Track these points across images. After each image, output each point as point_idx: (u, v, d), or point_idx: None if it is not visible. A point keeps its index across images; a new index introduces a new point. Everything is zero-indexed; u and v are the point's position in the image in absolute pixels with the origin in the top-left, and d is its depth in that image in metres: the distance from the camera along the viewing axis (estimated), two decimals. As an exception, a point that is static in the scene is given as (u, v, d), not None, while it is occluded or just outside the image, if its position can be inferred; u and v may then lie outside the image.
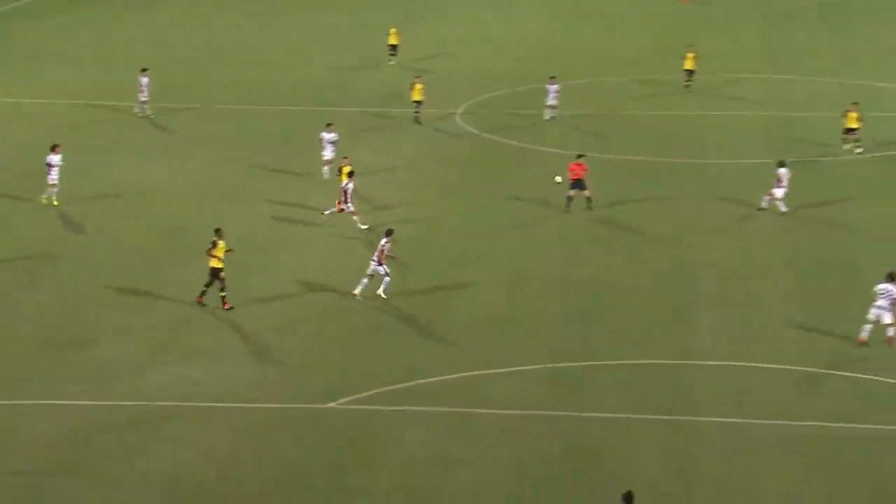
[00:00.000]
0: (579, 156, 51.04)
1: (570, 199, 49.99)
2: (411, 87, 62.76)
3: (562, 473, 31.34)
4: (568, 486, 30.69)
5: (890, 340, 37.59)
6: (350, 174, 47.26)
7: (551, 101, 62.58)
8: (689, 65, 68.38)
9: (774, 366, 37.18)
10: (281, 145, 60.69)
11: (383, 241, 41.31)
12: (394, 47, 75.49)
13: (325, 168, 53.00)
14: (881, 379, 36.06)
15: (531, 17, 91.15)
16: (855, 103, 57.73)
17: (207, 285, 40.58)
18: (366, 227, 47.16)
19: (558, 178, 50.31)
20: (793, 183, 50.65)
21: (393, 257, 41.50)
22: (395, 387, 35.95)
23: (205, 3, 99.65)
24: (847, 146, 56.93)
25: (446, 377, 36.49)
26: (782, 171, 49.10)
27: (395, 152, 58.50)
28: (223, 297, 40.45)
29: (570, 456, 32.15)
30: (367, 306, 40.95)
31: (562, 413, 34.35)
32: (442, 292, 42.66)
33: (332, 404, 35.02)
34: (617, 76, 72.99)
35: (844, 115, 57.21)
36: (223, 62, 79.13)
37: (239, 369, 37.20)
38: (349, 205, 47.09)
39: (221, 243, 40.35)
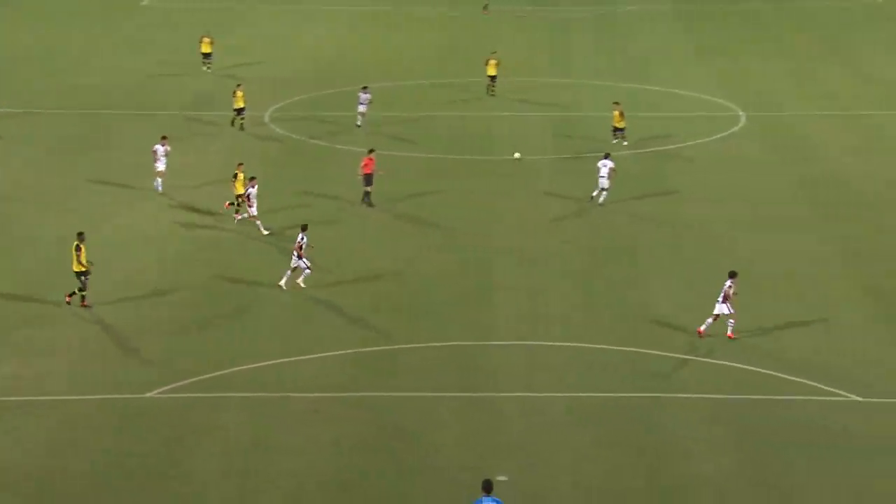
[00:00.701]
0: (370, 151, 50.85)
1: (366, 193, 49.68)
2: (233, 95, 61.56)
3: (372, 450, 31.24)
4: (382, 463, 30.65)
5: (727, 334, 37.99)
6: (251, 179, 46.33)
7: (362, 108, 61.86)
8: (491, 71, 68.36)
9: (563, 344, 37.46)
10: (94, 149, 58.95)
11: (300, 236, 40.84)
12: (207, 55, 74.11)
13: (159, 180, 51.38)
14: (655, 353, 36.72)
15: (335, 25, 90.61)
16: (617, 103, 58.58)
17: (80, 287, 39.53)
18: (268, 231, 46.13)
19: (517, 154, 50.38)
20: (574, 175, 50.91)
21: (312, 247, 41.03)
22: (212, 375, 35.41)
23: (21, 9, 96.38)
24: (615, 142, 57.41)
25: (261, 364, 36.07)
26: (606, 162, 49.50)
27: (206, 154, 57.56)
28: (83, 296, 39.47)
29: (380, 435, 32.08)
30: (183, 300, 40.16)
31: (371, 394, 34.35)
32: (255, 285, 42.01)
33: (151, 394, 34.29)
34: (418, 80, 72.76)
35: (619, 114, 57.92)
36: (37, 67, 76.48)
37: (57, 364, 36.05)
38: (252, 209, 46.21)
39: (83, 248, 39.27)
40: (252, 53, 78.51)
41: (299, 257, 40.68)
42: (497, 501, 24.90)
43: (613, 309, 40.22)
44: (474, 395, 34.26)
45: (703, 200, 50.75)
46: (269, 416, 33.06)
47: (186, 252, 44.75)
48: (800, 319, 38.99)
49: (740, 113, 64.24)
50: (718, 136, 60.43)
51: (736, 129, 61.71)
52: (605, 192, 49.37)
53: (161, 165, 50.90)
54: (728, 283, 37.30)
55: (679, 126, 60.80)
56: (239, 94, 60.89)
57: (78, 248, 39.08)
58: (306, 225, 41.22)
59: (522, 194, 52.03)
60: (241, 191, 47.28)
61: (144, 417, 33.00)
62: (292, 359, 36.34)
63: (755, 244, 45.71)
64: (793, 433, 31.98)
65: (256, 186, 45.92)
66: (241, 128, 61.25)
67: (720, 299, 37.30)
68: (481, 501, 24.86)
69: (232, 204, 47.90)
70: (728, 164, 56.01)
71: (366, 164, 49.81)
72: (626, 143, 57.56)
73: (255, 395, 34.22)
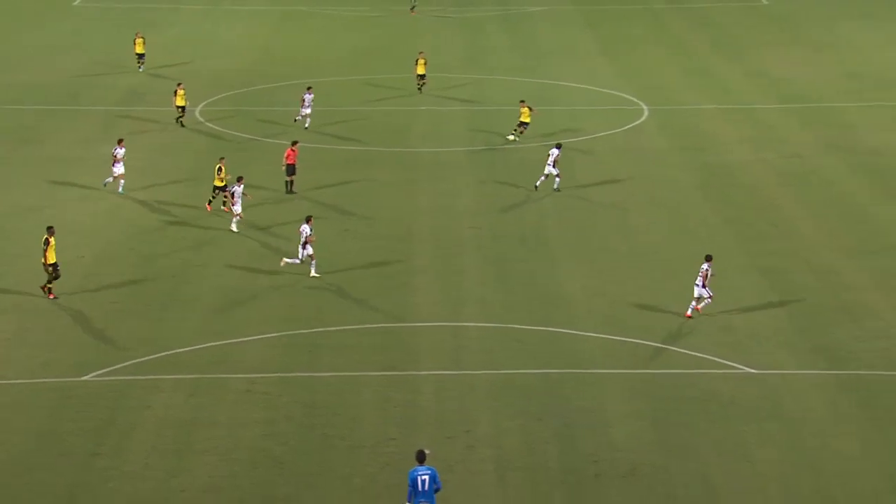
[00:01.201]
0: (293, 143, 50.78)
1: (289, 183, 49.64)
2: (174, 94, 60.74)
3: (300, 426, 31.31)
4: (310, 437, 30.73)
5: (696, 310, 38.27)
6: (239, 179, 45.47)
7: (306, 110, 60.84)
8: (420, 70, 68.05)
9: (482, 324, 37.66)
10: (26, 144, 58.36)
11: (305, 226, 40.65)
12: (141, 55, 72.96)
13: (121, 183, 49.91)
14: (569, 331, 36.93)
15: (259, 25, 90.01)
16: (522, 101, 58.66)
17: (52, 278, 38.99)
18: (237, 231, 45.42)
19: (510, 136, 50.28)
20: (487, 166, 50.89)
21: (314, 239, 40.75)
22: (145, 358, 35.22)
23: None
24: (510, 136, 57.72)
25: (192, 348, 35.94)
26: (553, 151, 49.68)
27: (138, 147, 56.83)
28: (50, 288, 38.97)
29: (307, 411, 32.14)
30: (118, 288, 39.84)
31: (300, 374, 34.38)
32: (187, 269, 42.03)
33: (87, 377, 34.05)
34: (341, 77, 72.45)
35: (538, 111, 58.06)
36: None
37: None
38: (236, 207, 45.32)
39: (53, 241, 38.70)
40: (180, 52, 77.84)
41: (304, 246, 40.49)
42: (431, 469, 25.07)
43: (528, 291, 40.41)
44: (397, 373, 34.41)
45: (611, 188, 51.11)
46: (202, 396, 32.95)
47: (120, 241, 44.47)
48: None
49: (643, 106, 64.68)
50: (622, 128, 60.86)
51: (639, 121, 62.14)
52: (557, 179, 49.70)
53: (119, 168, 49.62)
54: (705, 266, 37.65)
55: (587, 119, 61.14)
56: (180, 92, 60.19)
57: (46, 242, 38.55)
58: (310, 216, 41.11)
59: (441, 184, 52.16)
60: (219, 184, 46.99)
61: (80, 399, 32.75)
62: (225, 342, 36.22)
63: (658, 227, 46.31)
64: (693, 403, 32.50)
65: (242, 186, 45.21)
66: (182, 124, 60.51)
67: (699, 282, 37.63)
68: (416, 470, 25.01)
69: (211, 201, 47.54)
70: (633, 154, 56.53)
71: (288, 155, 49.75)
72: (517, 140, 57.52)
73: (189, 376, 34.08)
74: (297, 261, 40.87)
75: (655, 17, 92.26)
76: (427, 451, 26.90)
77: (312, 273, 40.87)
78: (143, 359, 35.09)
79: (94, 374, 34.13)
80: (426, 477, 24.94)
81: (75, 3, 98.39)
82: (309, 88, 60.32)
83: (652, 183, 51.06)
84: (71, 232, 45.25)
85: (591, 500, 27.79)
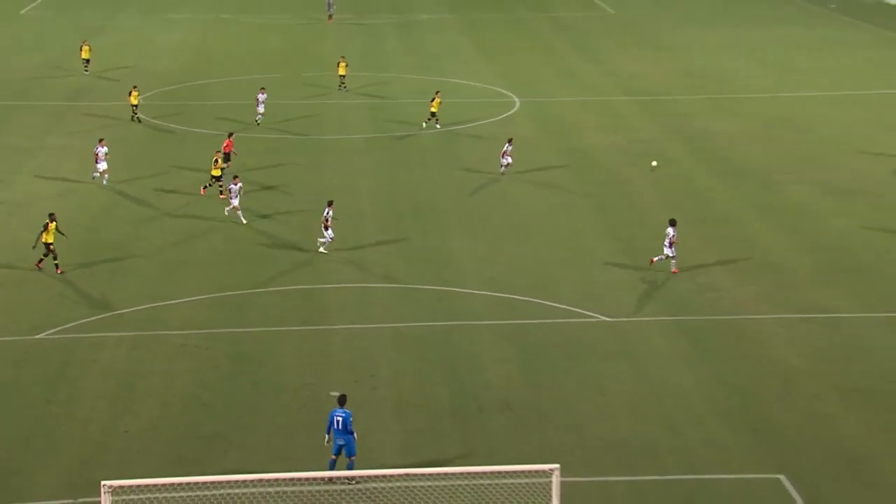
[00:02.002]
0: (230, 134, 49.90)
1: (223, 168, 48.41)
2: (129, 94, 58.64)
3: (229, 375, 30.97)
4: (236, 384, 30.40)
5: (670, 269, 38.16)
6: (235, 177, 43.33)
7: (260, 108, 58.60)
8: (342, 71, 66.85)
9: (385, 285, 37.51)
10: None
11: (326, 210, 39.30)
12: (87, 61, 70.86)
13: (105, 177, 47.54)
14: (457, 290, 36.86)
15: (190, 31, 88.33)
16: (438, 92, 58.42)
17: (45, 255, 37.64)
18: (245, 222, 43.19)
19: (654, 163, 48.21)
20: (386, 151, 50.61)
21: (337, 219, 39.55)
22: (90, 319, 34.55)
23: None
24: (425, 125, 57.31)
25: (132, 309, 35.26)
26: (507, 147, 49.13)
27: (81, 137, 55.68)
28: (56, 264, 37.60)
29: (235, 362, 31.77)
30: (67, 258, 38.57)
31: (227, 330, 33.92)
32: (130, 242, 41.17)
33: (40, 336, 33.37)
34: (263, 75, 71.28)
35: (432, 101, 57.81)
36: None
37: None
38: (234, 201, 42.84)
39: (53, 225, 37.45)
40: (122, 56, 75.96)
41: (326, 228, 39.27)
42: (347, 412, 24.80)
43: (422, 256, 40.19)
44: (311, 328, 34.08)
45: (490, 169, 50.87)
46: (142, 350, 32.41)
47: (69, 218, 43.07)
48: (565, 259, 39.68)
49: (515, 99, 64.61)
50: (499, 117, 60.74)
51: (512, 112, 62.04)
52: (505, 168, 49.14)
53: (103, 165, 47.23)
54: (670, 230, 37.55)
55: (469, 110, 60.99)
56: (134, 93, 58.18)
57: (45, 226, 37.37)
58: (332, 200, 39.89)
59: (346, 166, 51.60)
60: (216, 173, 45.63)
61: (35, 355, 32.13)
62: (162, 304, 35.59)
63: (532, 202, 46.26)
64: (559, 347, 32.67)
65: (240, 184, 43.03)
66: (139, 121, 58.33)
67: (666, 244, 37.58)
68: (335, 412, 24.79)
69: (206, 187, 45.99)
70: (505, 137, 56.00)
71: (226, 145, 48.68)
72: (424, 126, 57.26)
73: (129, 333, 33.49)
74: (328, 241, 39.57)
75: (524, 25, 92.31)
76: (335, 394, 26.64)
77: (321, 249, 39.83)
78: (88, 319, 34.41)
79: (47, 332, 33.44)
80: (341, 417, 24.73)
81: (22, 13, 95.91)
82: (262, 89, 58.52)
83: (524, 163, 50.97)
84: (22, 212, 44.40)
85: (475, 430, 27.76)
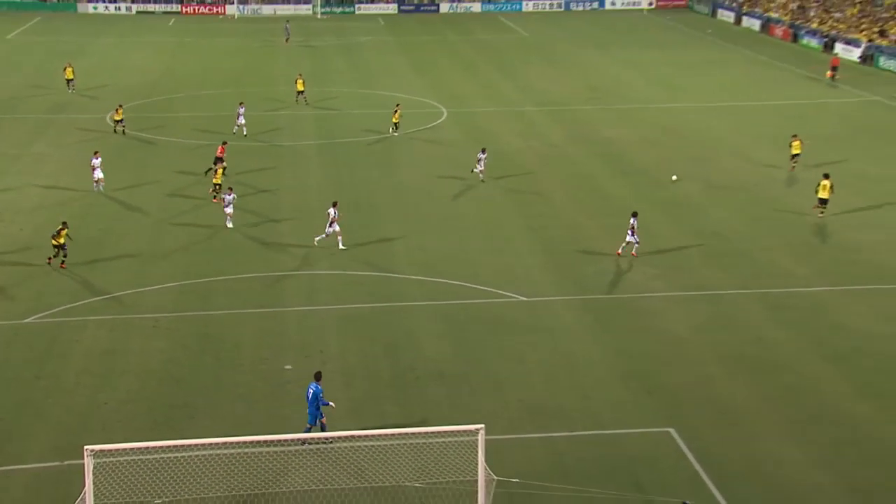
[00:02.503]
0: (224, 142, 49.40)
1: (214, 170, 46.53)
2: (115, 111, 57.15)
3: (196, 352, 30.69)
4: (202, 361, 30.11)
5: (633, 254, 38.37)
6: (230, 189, 41.96)
7: (240, 120, 56.74)
8: (300, 87, 65.55)
9: (332, 272, 37.11)
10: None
11: (331, 209, 38.59)
12: (70, 81, 68.50)
13: (101, 184, 45.61)
14: (395, 275, 36.71)
15: (158, 53, 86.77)
16: (398, 105, 58.42)
17: (55, 255, 36.89)
18: (231, 226, 41.65)
19: (674, 177, 47.66)
20: (331, 153, 50.08)
21: (337, 219, 38.75)
22: (73, 304, 34.03)
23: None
24: (391, 131, 56.90)
25: (110, 295, 34.77)
26: (480, 155, 48.22)
27: (62, 145, 54.73)
28: (62, 261, 36.90)
29: (201, 341, 31.45)
30: (47, 253, 37.79)
31: (194, 313, 33.51)
32: (106, 237, 40.39)
33: (28, 320, 32.83)
34: (224, 90, 70.51)
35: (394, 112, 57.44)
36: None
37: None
38: (229, 208, 41.19)
39: (65, 231, 36.92)
40: (98, 75, 74.43)
41: (330, 225, 38.43)
42: (316, 387, 24.47)
43: (364, 246, 39.74)
44: (267, 310, 33.74)
45: (421, 169, 50.79)
46: (119, 332, 31.95)
47: (52, 217, 42.22)
48: (487, 247, 39.62)
49: (443, 110, 64.42)
50: (430, 125, 60.51)
51: (440, 120, 61.88)
52: (480, 171, 48.07)
53: (99, 173, 45.51)
54: (632, 220, 37.77)
55: (405, 119, 60.51)
56: (119, 110, 56.68)
57: (58, 232, 36.91)
58: (336, 201, 39.30)
59: (298, 168, 51.00)
60: (219, 181, 44.50)
61: (24, 336, 31.59)
62: (136, 290, 35.06)
63: (458, 198, 46.12)
64: (484, 324, 32.69)
65: (234, 195, 41.44)
66: (123, 133, 56.41)
67: (629, 232, 37.78)
68: (311, 385, 24.49)
69: (215, 196, 44.28)
70: (436, 143, 56.22)
71: (221, 150, 47.97)
72: (397, 134, 56.73)
73: (108, 317, 33.03)
74: (325, 236, 38.86)
75: (452, 46, 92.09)
76: (288, 367, 26.47)
77: (340, 246, 38.72)
78: (71, 305, 33.88)
79: (35, 317, 32.90)
80: (310, 391, 24.41)
81: (8, 37, 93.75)
82: (241, 103, 57.11)
83: (452, 165, 50.95)
84: (11, 211, 43.49)
85: (412, 397, 27.76)
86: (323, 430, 24.48)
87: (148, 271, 37.01)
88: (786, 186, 47.88)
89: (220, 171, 45.37)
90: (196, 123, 59.94)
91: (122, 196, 45.72)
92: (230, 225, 41.28)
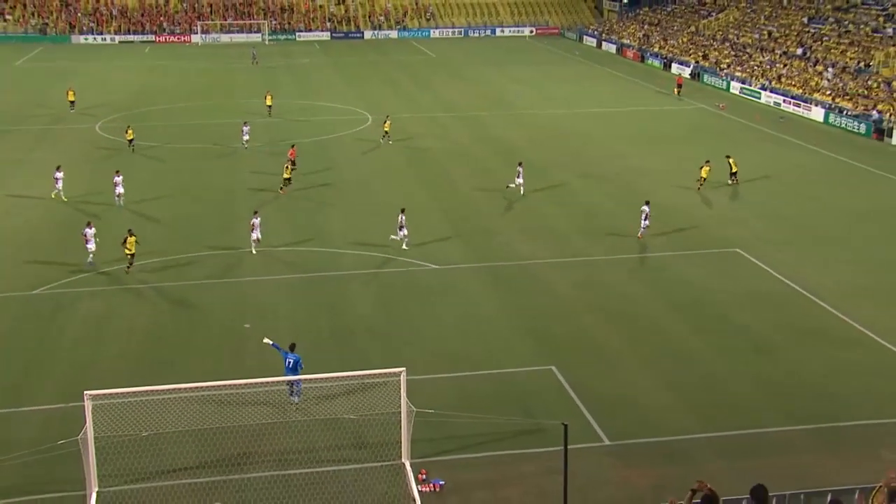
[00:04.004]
0: (293, 145, 48.34)
1: (291, 169, 45.66)
2: (125, 131, 52.80)
3: (173, 316, 30.21)
4: (178, 323, 29.66)
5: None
6: (255, 212, 37.16)
7: (245, 136, 53.30)
8: (269, 101, 63.87)
9: (282, 248, 36.74)
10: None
11: (400, 215, 35.74)
12: (72, 102, 65.32)
13: (122, 198, 41.89)
14: (334, 250, 36.40)
15: (137, 73, 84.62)
16: (388, 116, 57.63)
17: (130, 264, 33.62)
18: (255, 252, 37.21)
19: (382, 140, 47.25)
20: (272, 157, 49.83)
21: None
22: (71, 279, 33.19)
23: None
24: (382, 141, 54.99)
25: (101, 270, 33.97)
26: (520, 168, 44.72)
27: (59, 151, 52.97)
28: (129, 267, 33.51)
29: (177, 307, 30.94)
30: (47, 238, 36.80)
31: (170, 284, 32.89)
32: (98, 227, 39.00)
33: (35, 292, 31.98)
34: (190, 103, 68.95)
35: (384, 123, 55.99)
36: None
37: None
38: (255, 233, 35.98)
39: (132, 238, 33.43)
40: (87, 91, 71.99)
41: (400, 229, 35.56)
42: (298, 357, 23.69)
43: (307, 227, 39.43)
44: (230, 280, 33.29)
45: (353, 164, 50.36)
46: (110, 300, 31.28)
47: (48, 213, 41.05)
48: (408, 227, 39.39)
49: (368, 116, 63.91)
50: (357, 129, 59.99)
51: (366, 125, 61.40)
52: (519, 184, 43.79)
53: (120, 189, 41.75)
54: (645, 208, 37.33)
55: (338, 125, 60.18)
56: (130, 130, 52.15)
57: (125, 240, 33.30)
58: (404, 208, 36.47)
59: (252, 166, 49.90)
60: (287, 176, 42.98)
61: (32, 305, 30.80)
62: (122, 266, 34.21)
63: (386, 189, 45.78)
64: (404, 288, 32.66)
65: (259, 219, 36.24)
66: (133, 150, 51.66)
67: (643, 218, 37.37)
68: (287, 354, 23.81)
69: (282, 188, 42.53)
70: (362, 144, 55.66)
71: (292, 153, 46.76)
72: (391, 143, 54.99)
73: (101, 288, 32.30)
74: (398, 238, 35.88)
75: (376, 65, 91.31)
76: (247, 326, 26.09)
77: (404, 246, 35.96)
78: (70, 279, 33.07)
79: (41, 289, 32.07)
80: (292, 360, 23.60)
81: (16, 64, 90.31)
82: (245, 123, 53.45)
83: (378, 161, 50.68)
84: (15, 206, 42.04)
85: (349, 348, 27.69)
86: (298, 391, 23.72)
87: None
88: (641, 175, 48.70)
89: (289, 166, 44.36)
90: (169, 131, 58.50)
91: (105, 197, 44.44)
92: (254, 251, 35.67)
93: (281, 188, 44.24)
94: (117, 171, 43.80)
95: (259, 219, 36.28)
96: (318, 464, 21.23)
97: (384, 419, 22.01)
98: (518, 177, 44.15)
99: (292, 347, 24.47)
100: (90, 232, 34.15)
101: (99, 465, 20.08)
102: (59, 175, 42.70)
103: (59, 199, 42.05)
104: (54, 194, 42.70)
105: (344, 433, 22.42)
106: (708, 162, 46.22)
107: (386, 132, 55.70)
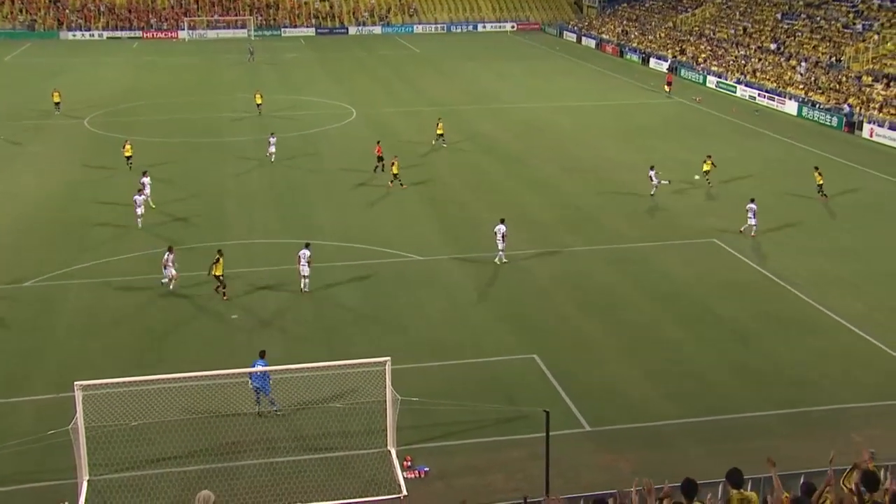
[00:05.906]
0: (378, 141, 47.44)
1: (380, 167, 45.26)
2: (123, 147, 47.90)
3: (160, 307, 29.95)
4: (167, 312, 29.41)
5: None
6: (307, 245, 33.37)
7: (272, 148, 49.23)
8: (258, 100, 62.80)
9: (267, 241, 36.57)
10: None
11: (500, 226, 33.28)
12: (57, 104, 63.11)
13: (150, 200, 39.85)
14: (322, 242, 36.05)
15: (126, 71, 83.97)
16: (440, 118, 56.57)
17: (221, 286, 30.56)
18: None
19: (434, 142, 46.44)
20: (260, 146, 49.58)
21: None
22: (61, 271, 32.97)
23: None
24: (434, 142, 53.64)
25: (90, 263, 33.76)
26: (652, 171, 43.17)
27: (51, 145, 52.58)
28: (224, 292, 30.31)
29: (163, 298, 30.70)
30: (41, 231, 36.42)
31: (157, 276, 32.26)
32: (85, 223, 38.77)
33: (26, 284, 31.79)
34: (179, 98, 68.39)
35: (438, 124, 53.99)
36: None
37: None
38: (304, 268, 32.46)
39: (221, 260, 30.65)
40: (76, 87, 71.39)
41: (502, 239, 33.22)
42: (265, 363, 22.79)
43: (295, 220, 39.17)
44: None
45: (340, 158, 50.12)
46: (98, 292, 31.06)
47: (43, 199, 40.66)
48: (392, 219, 39.38)
49: (353, 111, 63.64)
50: (343, 122, 59.77)
51: (351, 119, 61.14)
52: (661, 182, 42.38)
53: (147, 190, 39.37)
54: (753, 205, 36.30)
55: (325, 118, 59.95)
56: (128, 146, 47.55)
57: (216, 261, 30.15)
58: (504, 218, 34.32)
59: (240, 160, 49.65)
60: (395, 171, 42.55)
61: (24, 297, 30.60)
62: (110, 259, 34.10)
63: (369, 180, 45.55)
64: (390, 279, 32.58)
65: (310, 252, 31.30)
66: (130, 168, 46.42)
67: (750, 215, 36.00)
68: (256, 363, 22.98)
69: (392, 182, 41.82)
70: (347, 137, 55.39)
71: (378, 149, 46.21)
72: (445, 145, 53.58)
73: (89, 280, 32.05)
74: (501, 252, 33.63)
75: (361, 60, 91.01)
76: (234, 316, 25.89)
77: (503, 259, 33.77)
78: (60, 271, 32.87)
79: (31, 281, 31.88)
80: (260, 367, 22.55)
81: (6, 59, 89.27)
82: (272, 134, 49.97)
83: (363, 155, 50.49)
84: (11, 197, 41.60)
85: (336, 337, 27.59)
86: (267, 395, 22.65)
87: (119, 244, 35.98)
88: (620, 168, 48.77)
89: (395, 162, 43.65)
90: (157, 125, 58.01)
91: (100, 188, 44.04)
92: (305, 290, 31.12)
93: (391, 182, 43.38)
94: (145, 172, 41.43)
95: (505, 227, 33.44)
96: (305, 451, 21.19)
97: (370, 407, 21.94)
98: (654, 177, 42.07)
99: (262, 354, 23.14)
100: (170, 257, 31.06)
101: (90, 455, 19.94)
102: (146, 181, 39.78)
103: (149, 205, 39.06)
104: (152, 202, 39.90)
105: (330, 421, 22.34)
106: (710, 156, 45.11)
107: (440, 134, 52.66)
